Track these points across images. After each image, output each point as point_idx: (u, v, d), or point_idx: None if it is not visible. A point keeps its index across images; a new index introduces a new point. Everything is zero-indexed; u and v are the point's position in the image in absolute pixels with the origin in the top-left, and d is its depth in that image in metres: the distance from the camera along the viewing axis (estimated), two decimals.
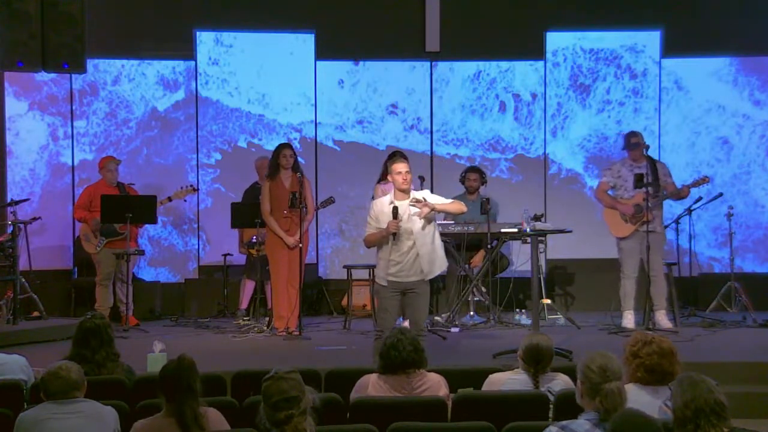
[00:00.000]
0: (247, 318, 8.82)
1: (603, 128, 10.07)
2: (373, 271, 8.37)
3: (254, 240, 8.72)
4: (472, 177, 9.04)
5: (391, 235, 6.22)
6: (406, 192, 6.33)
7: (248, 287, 9.08)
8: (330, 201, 8.76)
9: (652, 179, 7.92)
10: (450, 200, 6.54)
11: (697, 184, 8.08)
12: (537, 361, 4.46)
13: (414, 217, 6.26)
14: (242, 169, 9.51)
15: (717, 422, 3.18)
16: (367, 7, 10.15)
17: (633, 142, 8.04)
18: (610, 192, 8.25)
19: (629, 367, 3.93)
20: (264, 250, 8.39)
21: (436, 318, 8.73)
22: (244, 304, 9.08)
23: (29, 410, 4.06)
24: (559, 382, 4.45)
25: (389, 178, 6.54)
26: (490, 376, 4.63)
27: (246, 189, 9.19)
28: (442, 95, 10.11)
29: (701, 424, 3.18)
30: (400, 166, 6.36)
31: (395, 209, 6.23)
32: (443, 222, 8.83)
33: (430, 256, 6.32)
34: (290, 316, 8.08)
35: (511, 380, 4.52)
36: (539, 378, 4.45)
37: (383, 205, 6.37)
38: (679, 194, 8.09)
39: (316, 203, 8.70)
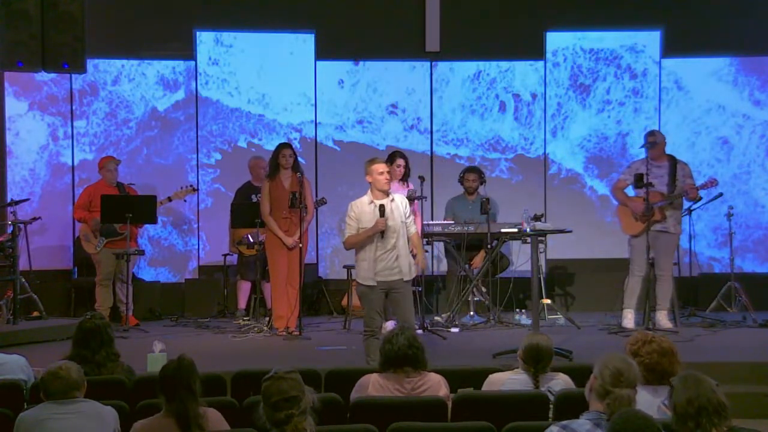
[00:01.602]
0: (247, 318, 8.81)
1: (603, 128, 10.07)
2: None
3: (245, 239, 8.72)
4: (471, 177, 9.03)
5: (379, 233, 6.34)
6: (386, 193, 6.50)
7: (244, 287, 9.07)
8: (322, 202, 8.74)
9: (669, 180, 7.95)
10: (414, 227, 6.70)
11: (706, 186, 8.10)
12: (537, 361, 4.47)
13: (395, 216, 6.43)
14: (242, 169, 9.48)
15: (718, 421, 3.18)
16: (367, 7, 10.15)
17: (649, 141, 8.04)
18: (630, 190, 8.24)
19: None
20: (262, 248, 8.38)
21: (436, 318, 8.73)
22: (242, 305, 9.07)
23: (29, 410, 4.06)
24: (559, 382, 4.46)
25: (368, 178, 6.57)
26: (490, 376, 4.64)
27: (238, 188, 9.18)
28: (442, 95, 10.10)
29: (702, 423, 3.18)
30: (381, 167, 6.54)
31: (382, 207, 6.37)
32: (443, 222, 8.84)
33: (407, 257, 6.50)
34: (290, 316, 8.08)
35: (511, 380, 4.52)
36: (539, 378, 4.45)
37: (363, 205, 6.51)
38: (688, 195, 8.09)
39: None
